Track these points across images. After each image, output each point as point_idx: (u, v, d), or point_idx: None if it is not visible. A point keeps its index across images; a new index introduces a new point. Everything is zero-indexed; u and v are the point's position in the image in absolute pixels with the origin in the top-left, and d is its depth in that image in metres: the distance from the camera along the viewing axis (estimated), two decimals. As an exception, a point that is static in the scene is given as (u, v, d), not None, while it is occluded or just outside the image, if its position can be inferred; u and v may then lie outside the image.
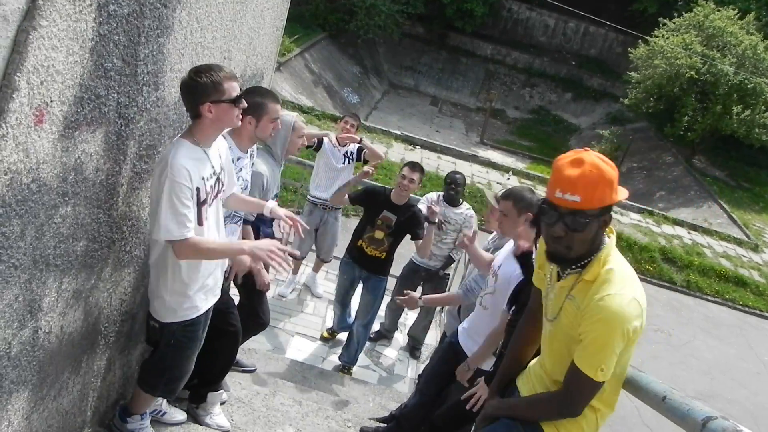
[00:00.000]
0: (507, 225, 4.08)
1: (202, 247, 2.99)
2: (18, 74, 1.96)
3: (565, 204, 2.29)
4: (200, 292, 3.28)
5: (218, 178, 3.20)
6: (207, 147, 3.08)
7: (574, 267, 2.44)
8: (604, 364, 2.31)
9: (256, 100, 3.67)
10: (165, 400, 3.90)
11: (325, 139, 7.03)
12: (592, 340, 2.32)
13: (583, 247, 2.38)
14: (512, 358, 3.00)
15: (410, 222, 5.76)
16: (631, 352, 2.46)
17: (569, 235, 2.33)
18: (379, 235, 5.82)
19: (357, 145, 6.97)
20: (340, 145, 7.00)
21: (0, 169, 1.98)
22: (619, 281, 2.34)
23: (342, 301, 6.46)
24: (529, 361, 2.94)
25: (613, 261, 2.40)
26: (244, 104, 3.09)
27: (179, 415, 4.00)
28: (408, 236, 5.89)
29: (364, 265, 6.01)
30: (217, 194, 3.23)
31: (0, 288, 2.15)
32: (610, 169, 2.29)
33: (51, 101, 2.15)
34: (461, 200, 6.47)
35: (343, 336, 6.73)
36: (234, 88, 2.98)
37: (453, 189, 6.32)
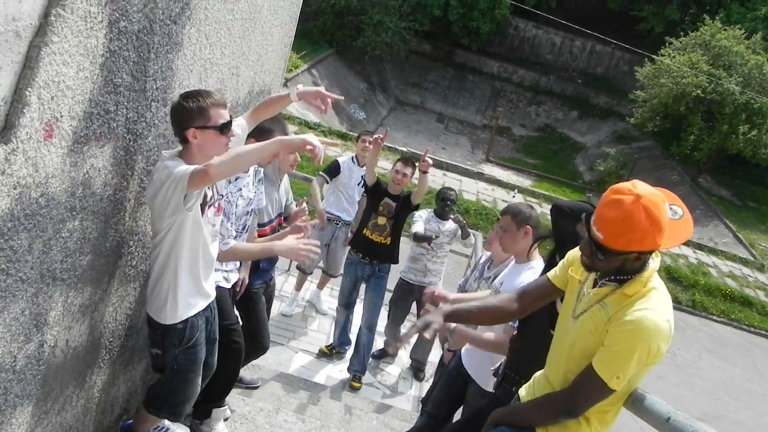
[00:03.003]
0: (507, 240, 4.10)
1: (230, 156, 2.93)
2: (29, 89, 1.97)
3: (592, 233, 2.34)
4: (198, 287, 3.25)
5: (215, 190, 3.21)
6: None
7: (612, 279, 2.44)
8: (622, 372, 2.32)
9: (264, 126, 3.68)
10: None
11: (341, 159, 7.10)
12: (616, 346, 2.33)
13: (607, 270, 2.42)
14: (472, 311, 2.98)
15: (405, 205, 6.19)
16: (643, 375, 2.46)
17: (592, 258, 2.39)
18: (382, 221, 6.20)
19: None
20: (360, 165, 7.05)
21: (9, 183, 1.99)
22: (657, 301, 2.36)
23: (346, 303, 6.60)
24: (533, 372, 2.93)
25: (655, 282, 2.41)
26: (233, 132, 3.03)
27: (181, 430, 3.99)
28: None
29: (370, 254, 6.28)
30: (214, 205, 3.23)
31: (7, 302, 2.16)
32: (645, 221, 2.23)
33: (61, 116, 2.16)
34: (450, 216, 6.63)
35: (338, 355, 6.77)
36: (221, 116, 2.90)
37: (447, 206, 6.57)
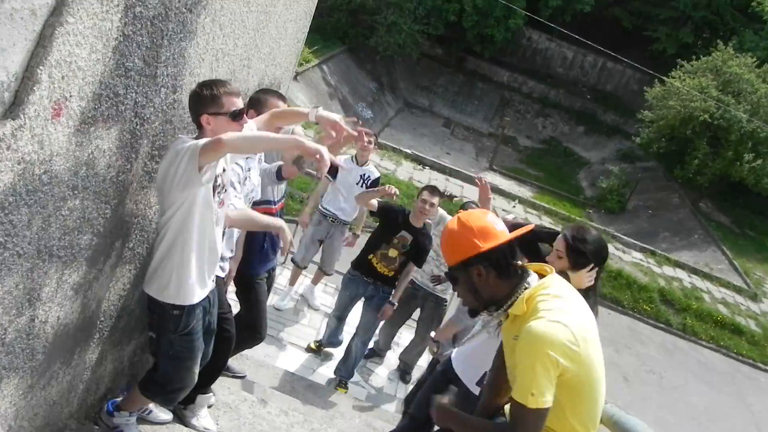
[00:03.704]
0: None
1: (244, 136, 3.05)
2: (41, 68, 2.00)
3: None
4: (201, 273, 3.26)
5: (222, 180, 3.24)
6: None
7: (496, 309, 2.54)
8: (534, 389, 2.29)
9: (260, 97, 3.88)
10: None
11: (342, 158, 7.07)
12: (519, 365, 2.36)
13: (471, 297, 2.55)
14: (488, 401, 2.99)
15: (422, 246, 5.93)
16: (589, 380, 2.42)
17: (457, 289, 2.58)
18: (393, 253, 5.91)
19: (377, 174, 7.17)
20: (359, 164, 7.04)
21: (14, 158, 2.01)
22: (545, 309, 2.39)
23: (340, 316, 6.47)
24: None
25: (542, 295, 2.45)
26: (246, 120, 3.16)
27: (164, 414, 4.01)
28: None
29: (372, 278, 6.06)
30: (224, 190, 3.26)
31: (2, 275, 2.18)
32: (459, 228, 2.49)
33: (70, 96, 2.19)
34: None
35: (331, 349, 6.74)
36: (234, 104, 3.04)
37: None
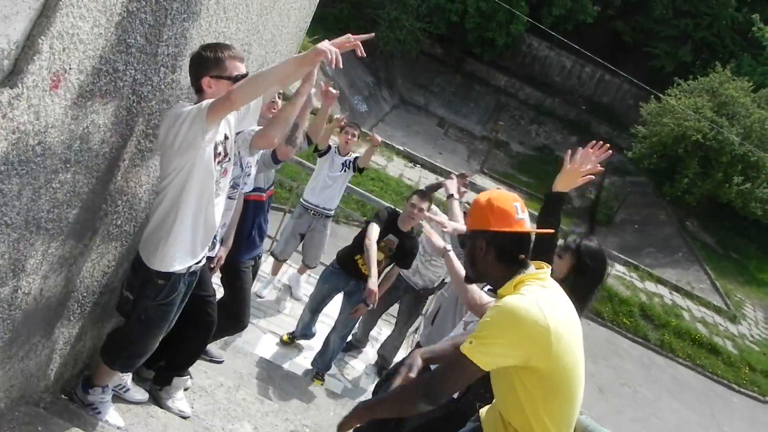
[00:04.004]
0: None
1: (248, 78, 2.90)
2: (42, 38, 1.98)
3: None
4: (196, 239, 3.22)
5: (225, 148, 3.21)
6: None
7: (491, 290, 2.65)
8: (476, 340, 2.29)
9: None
10: (130, 378, 3.90)
11: (331, 144, 7.05)
12: (480, 324, 2.37)
13: (468, 265, 2.64)
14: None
15: (409, 250, 5.86)
16: (562, 378, 2.39)
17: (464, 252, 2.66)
18: (379, 256, 5.74)
19: (355, 155, 7.06)
20: (341, 153, 7.03)
21: (9, 127, 1.99)
22: (527, 291, 2.40)
23: (315, 308, 6.31)
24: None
25: (531, 282, 2.46)
26: None
27: (140, 394, 3.99)
28: None
29: (355, 276, 5.95)
30: (227, 159, 3.24)
31: (-12, 243, 2.17)
32: (484, 202, 2.55)
33: (70, 68, 2.17)
34: None
35: (307, 341, 6.69)
36: (237, 68, 3.00)
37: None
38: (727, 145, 23.90)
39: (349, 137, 6.99)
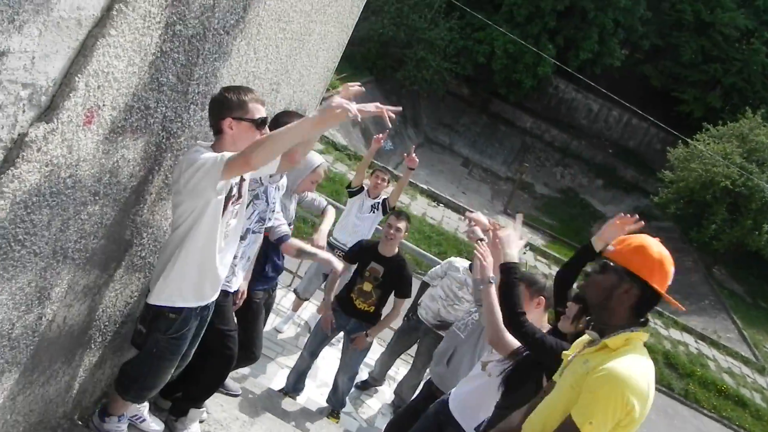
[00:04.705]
0: None
1: (265, 139, 2.79)
2: (79, 75, 2.06)
3: (604, 252, 2.59)
4: (198, 282, 3.23)
5: (239, 190, 3.25)
6: None
7: (595, 325, 2.57)
8: (595, 418, 2.32)
9: (280, 119, 3.74)
10: (147, 408, 3.93)
11: (364, 187, 7.23)
12: (591, 393, 2.37)
13: (594, 293, 2.55)
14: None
15: (398, 275, 5.73)
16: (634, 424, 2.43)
17: (591, 277, 2.56)
18: (367, 287, 5.72)
19: (384, 197, 7.21)
20: (371, 196, 7.17)
21: (43, 160, 2.07)
22: (636, 360, 2.41)
23: (314, 351, 6.06)
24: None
25: (638, 349, 2.47)
26: (267, 131, 3.08)
27: (156, 425, 4.01)
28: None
29: (354, 316, 5.84)
30: (239, 200, 3.28)
31: (17, 271, 2.23)
32: (657, 252, 2.52)
33: (103, 105, 2.25)
34: None
35: (325, 376, 6.65)
36: (258, 111, 3.02)
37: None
38: (757, 191, 23.67)
39: (379, 181, 7.18)
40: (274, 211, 4.10)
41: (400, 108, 3.29)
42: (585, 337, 2.70)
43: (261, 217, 3.96)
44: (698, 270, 25.47)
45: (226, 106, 2.95)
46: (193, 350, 3.61)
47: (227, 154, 2.82)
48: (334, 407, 6.22)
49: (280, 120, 3.84)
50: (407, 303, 6.10)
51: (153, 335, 3.27)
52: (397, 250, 5.78)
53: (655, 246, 2.55)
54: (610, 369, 2.35)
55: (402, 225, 5.65)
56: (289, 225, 4.82)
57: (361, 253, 5.82)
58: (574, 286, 3.75)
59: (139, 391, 3.48)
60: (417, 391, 6.98)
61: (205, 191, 2.88)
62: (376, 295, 5.77)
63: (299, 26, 3.93)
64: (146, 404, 3.92)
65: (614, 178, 33.64)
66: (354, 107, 2.68)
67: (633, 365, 2.37)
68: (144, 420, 3.94)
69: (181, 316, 3.25)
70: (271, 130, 3.82)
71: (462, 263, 6.28)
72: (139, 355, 3.42)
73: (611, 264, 2.53)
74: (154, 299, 3.19)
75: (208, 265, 3.20)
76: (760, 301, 25.86)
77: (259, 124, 3.02)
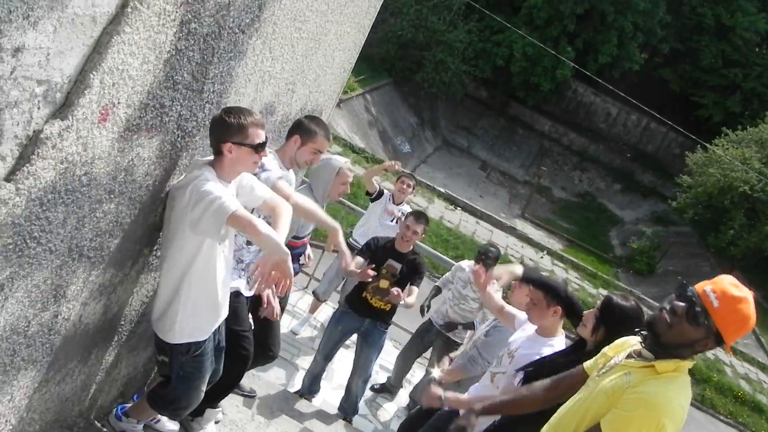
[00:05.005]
0: (534, 313, 4.02)
1: (253, 222, 2.92)
2: (93, 73, 2.06)
3: (703, 299, 2.35)
4: (209, 312, 3.28)
5: None
6: (226, 183, 3.08)
7: (652, 347, 2.47)
8: None
9: (311, 127, 3.84)
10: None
11: (386, 191, 7.17)
12: (627, 412, 2.35)
13: (665, 327, 2.42)
14: (504, 404, 3.03)
15: (413, 269, 5.70)
16: None
17: (678, 325, 2.38)
18: (384, 284, 5.63)
19: (408, 209, 7.19)
20: (395, 202, 7.13)
21: (58, 157, 2.07)
22: (679, 387, 2.39)
23: (328, 354, 5.99)
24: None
25: (683, 374, 2.45)
26: (266, 153, 3.13)
27: (172, 425, 4.02)
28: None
29: (368, 315, 5.78)
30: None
31: (33, 269, 2.23)
32: (753, 314, 2.34)
33: (118, 103, 2.25)
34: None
35: (340, 378, 6.62)
36: (258, 136, 3.01)
37: (483, 261, 6.14)
38: (776, 197, 23.46)
39: (405, 186, 7.12)
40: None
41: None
42: (630, 340, 2.66)
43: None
44: (715, 275, 25.02)
45: (227, 130, 2.94)
46: (222, 362, 3.66)
47: (233, 206, 2.84)
48: (347, 414, 6.15)
49: (303, 123, 3.90)
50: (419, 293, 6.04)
51: (176, 360, 3.30)
52: (412, 246, 5.77)
53: (753, 312, 2.36)
54: (651, 395, 2.33)
55: (420, 228, 5.62)
56: (308, 235, 4.82)
57: (377, 251, 5.76)
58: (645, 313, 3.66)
59: (175, 411, 3.54)
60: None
61: (207, 232, 2.92)
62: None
63: (315, 26, 3.93)
64: None
65: (632, 183, 33.44)
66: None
67: (675, 394, 2.35)
68: (159, 421, 3.95)
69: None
70: (293, 133, 3.83)
71: (467, 263, 6.29)
72: (170, 381, 3.43)
73: (706, 320, 2.34)
74: (174, 338, 3.21)
75: (214, 293, 3.24)
76: (778, 307, 25.60)
77: (258, 148, 3.02)
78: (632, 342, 2.61)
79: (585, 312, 3.62)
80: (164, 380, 3.52)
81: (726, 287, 2.35)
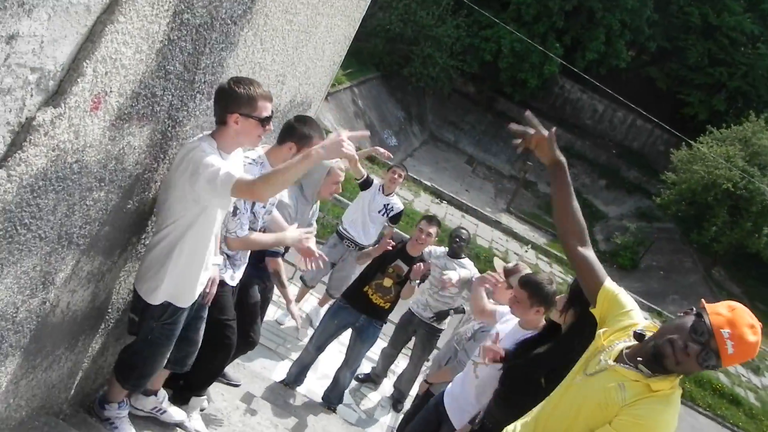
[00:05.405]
0: (518, 309, 4.07)
1: (273, 176, 2.88)
2: (87, 61, 2.08)
3: (720, 346, 2.27)
4: (193, 281, 3.25)
5: None
6: (226, 154, 3.04)
7: (646, 364, 2.42)
8: None
9: (304, 131, 3.66)
10: (167, 399, 3.95)
11: (376, 181, 7.18)
12: (622, 429, 2.35)
13: (679, 368, 2.37)
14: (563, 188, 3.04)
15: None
16: None
17: (686, 357, 2.32)
18: (387, 283, 5.73)
19: (399, 207, 7.30)
20: (384, 194, 7.14)
21: (50, 144, 2.09)
22: (673, 406, 2.40)
23: (320, 346, 6.03)
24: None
25: (676, 391, 2.45)
26: (271, 128, 3.06)
27: (178, 415, 4.02)
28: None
29: (366, 311, 5.83)
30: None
31: (22, 255, 2.25)
32: (754, 351, 2.30)
33: (110, 91, 2.27)
34: (463, 255, 6.35)
35: (326, 368, 6.65)
36: (266, 108, 2.96)
37: (457, 243, 6.18)
38: (758, 195, 23.67)
39: (396, 177, 7.16)
40: (274, 204, 4.10)
41: (368, 132, 3.52)
42: (622, 321, 2.66)
43: (267, 210, 3.98)
44: (697, 271, 25.48)
45: (235, 100, 2.88)
46: (201, 334, 3.64)
47: (236, 175, 2.80)
48: (331, 403, 6.20)
49: (297, 129, 3.71)
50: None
51: (147, 323, 3.27)
52: (422, 252, 5.88)
53: (757, 342, 2.29)
54: (650, 421, 2.34)
55: (433, 230, 5.73)
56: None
57: (388, 251, 5.75)
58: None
59: (138, 379, 3.49)
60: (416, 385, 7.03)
61: (210, 202, 2.93)
62: (395, 292, 5.79)
63: (306, 18, 3.95)
64: (165, 394, 3.96)
65: (617, 179, 33.60)
66: (352, 148, 2.78)
67: (671, 417, 2.37)
68: (165, 411, 3.96)
69: (171, 304, 3.25)
70: (286, 140, 3.72)
71: (440, 249, 6.31)
72: (136, 343, 3.41)
73: (716, 363, 2.30)
74: (156, 299, 3.18)
75: (200, 265, 3.23)
76: (758, 303, 25.79)
77: (264, 121, 2.99)
78: (626, 345, 2.56)
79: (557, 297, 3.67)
80: (129, 346, 3.49)
81: (744, 333, 2.26)
